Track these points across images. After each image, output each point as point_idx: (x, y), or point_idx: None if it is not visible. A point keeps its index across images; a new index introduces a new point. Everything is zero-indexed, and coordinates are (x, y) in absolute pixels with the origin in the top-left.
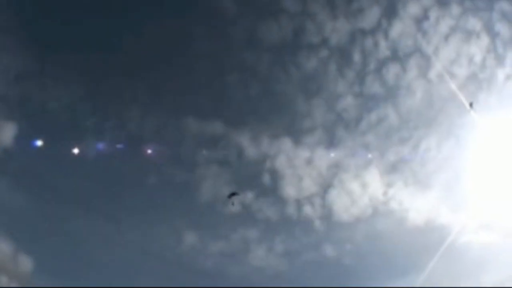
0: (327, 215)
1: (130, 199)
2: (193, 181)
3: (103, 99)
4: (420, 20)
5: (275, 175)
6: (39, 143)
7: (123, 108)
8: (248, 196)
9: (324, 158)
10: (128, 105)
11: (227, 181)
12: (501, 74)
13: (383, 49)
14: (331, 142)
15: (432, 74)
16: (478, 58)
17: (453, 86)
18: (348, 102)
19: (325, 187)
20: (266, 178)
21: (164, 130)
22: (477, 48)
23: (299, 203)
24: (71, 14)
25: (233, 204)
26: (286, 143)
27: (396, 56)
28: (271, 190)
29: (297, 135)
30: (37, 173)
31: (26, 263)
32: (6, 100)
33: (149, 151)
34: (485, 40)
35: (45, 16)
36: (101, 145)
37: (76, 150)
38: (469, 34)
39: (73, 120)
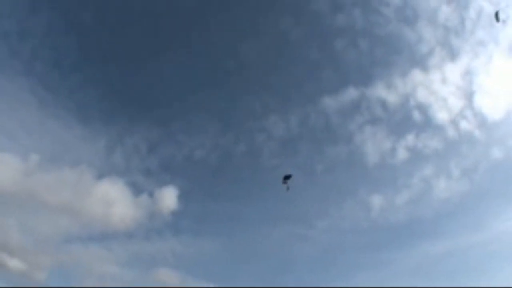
0: (482, 121)
1: (304, 191)
2: (356, 151)
3: (244, 124)
4: None
5: (423, 108)
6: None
7: (264, 121)
8: (408, 138)
9: (454, 70)
10: (267, 116)
11: (384, 134)
12: None
13: None
14: (452, 54)
15: None
16: None
17: None
18: (445, 12)
19: (469, 96)
20: (416, 115)
21: (307, 119)
22: None
23: (454, 122)
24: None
25: (288, 189)
26: (416, 75)
27: None
28: (426, 123)
29: (422, 63)
30: (208, 217)
31: None
32: (154, 172)
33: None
34: None
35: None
36: (262, 163)
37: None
38: None
39: (223, 156)
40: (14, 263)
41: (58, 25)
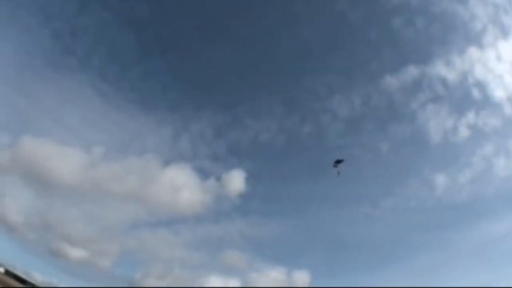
0: None
1: (369, 171)
2: (419, 129)
3: (308, 106)
4: None
5: (481, 85)
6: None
7: (328, 102)
8: (469, 116)
9: (507, 48)
10: (331, 96)
11: (447, 112)
12: None
13: None
14: (503, 32)
15: None
16: None
17: None
18: None
19: None
20: (475, 92)
21: (370, 99)
22: None
23: (511, 100)
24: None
25: (339, 173)
26: (473, 53)
27: None
28: (485, 100)
29: (477, 40)
30: (275, 199)
31: (304, 277)
32: (220, 156)
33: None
34: None
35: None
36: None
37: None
38: None
39: (289, 138)
40: (77, 253)
41: (112, 21)
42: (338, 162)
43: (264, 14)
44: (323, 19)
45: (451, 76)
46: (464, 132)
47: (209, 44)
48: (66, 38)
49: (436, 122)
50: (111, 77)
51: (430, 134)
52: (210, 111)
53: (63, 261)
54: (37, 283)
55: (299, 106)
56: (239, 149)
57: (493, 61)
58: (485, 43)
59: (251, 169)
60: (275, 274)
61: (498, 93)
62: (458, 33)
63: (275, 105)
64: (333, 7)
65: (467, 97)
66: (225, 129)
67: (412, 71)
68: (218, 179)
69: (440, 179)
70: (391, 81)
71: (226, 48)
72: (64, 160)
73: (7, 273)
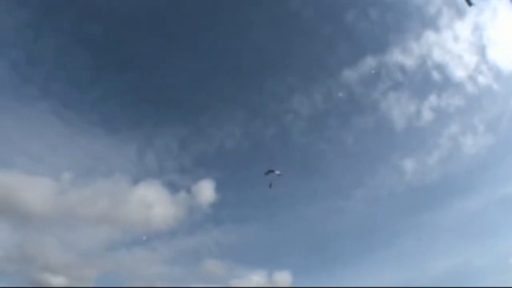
0: (498, 73)
1: (337, 165)
2: (382, 118)
3: (270, 108)
4: None
5: (440, 67)
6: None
7: (289, 102)
8: (431, 99)
9: (463, 27)
10: (292, 96)
11: (407, 97)
12: None
13: None
14: (459, 12)
15: None
16: None
17: None
18: None
19: (481, 50)
20: (435, 75)
21: (331, 94)
22: None
23: (472, 78)
24: None
25: (270, 186)
26: (429, 36)
27: None
28: (445, 82)
29: (433, 24)
30: (246, 203)
31: (286, 278)
32: (188, 168)
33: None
34: None
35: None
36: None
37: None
38: None
39: (254, 142)
40: (58, 281)
41: (68, 45)
42: (270, 171)
43: (217, 23)
44: (277, 21)
45: (409, 62)
46: (428, 115)
47: (165, 58)
48: (23, 67)
49: (398, 108)
50: (71, 102)
51: (394, 121)
52: (172, 124)
53: None
54: None
55: (261, 110)
56: (206, 159)
57: (450, 42)
58: (441, 25)
59: (220, 177)
60: (256, 278)
61: (459, 73)
62: (413, 18)
63: (237, 111)
64: (286, 8)
65: (427, 81)
66: (189, 141)
67: (370, 62)
68: (189, 191)
69: (409, 164)
70: (349, 74)
71: (183, 61)
72: (34, 190)
73: None
